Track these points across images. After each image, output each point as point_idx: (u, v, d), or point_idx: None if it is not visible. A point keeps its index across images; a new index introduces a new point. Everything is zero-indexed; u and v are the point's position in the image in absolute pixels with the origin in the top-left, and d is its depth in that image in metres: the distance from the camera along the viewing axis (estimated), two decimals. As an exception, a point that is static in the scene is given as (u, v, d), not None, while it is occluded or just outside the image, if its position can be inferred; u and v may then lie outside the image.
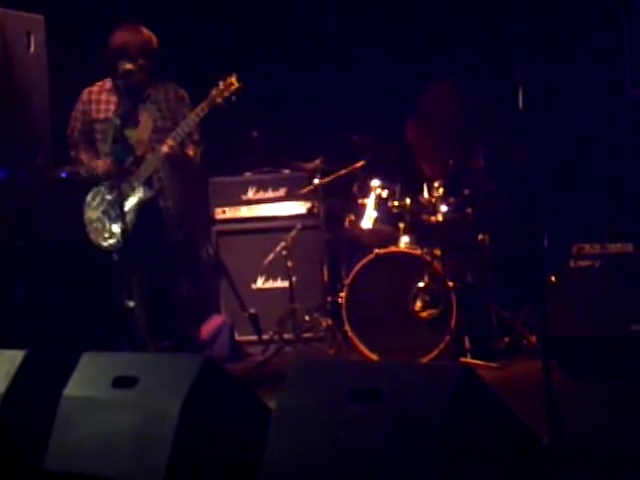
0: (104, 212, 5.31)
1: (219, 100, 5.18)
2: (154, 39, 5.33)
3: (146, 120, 5.32)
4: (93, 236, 5.34)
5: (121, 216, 4.94)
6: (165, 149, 5.19)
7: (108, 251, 5.26)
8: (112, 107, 5.31)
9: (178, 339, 5.50)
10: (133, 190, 5.22)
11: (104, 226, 5.29)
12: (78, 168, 5.49)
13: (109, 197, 5.28)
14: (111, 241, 5.27)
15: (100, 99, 5.40)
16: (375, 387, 2.81)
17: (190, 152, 5.34)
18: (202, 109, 5.21)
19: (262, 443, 2.98)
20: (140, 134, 5.30)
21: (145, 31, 5.31)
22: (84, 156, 5.44)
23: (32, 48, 5.60)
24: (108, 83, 5.42)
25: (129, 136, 5.31)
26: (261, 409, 3.34)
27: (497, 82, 5.28)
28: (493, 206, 5.97)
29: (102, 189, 5.36)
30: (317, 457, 2.86)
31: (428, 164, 6.44)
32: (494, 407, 2.85)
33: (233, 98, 5.19)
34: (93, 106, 5.41)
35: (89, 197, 5.38)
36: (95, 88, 5.46)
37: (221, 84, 5.20)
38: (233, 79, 5.20)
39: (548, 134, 5.49)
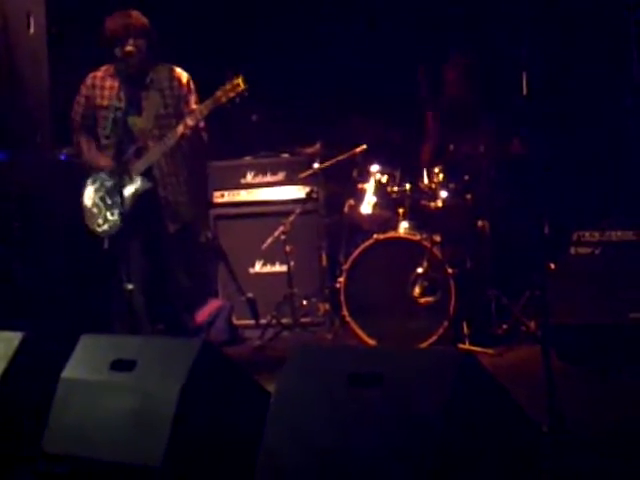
0: (101, 198, 5.29)
1: (223, 100, 5.14)
2: (144, 20, 5.28)
3: (149, 109, 5.28)
4: (88, 221, 5.33)
5: (119, 204, 4.94)
6: (181, 128, 5.16)
7: (101, 237, 5.25)
8: (115, 93, 5.27)
9: (173, 323, 5.49)
10: (131, 180, 5.20)
11: (99, 212, 5.28)
12: (78, 156, 5.46)
13: (108, 184, 5.26)
14: (104, 227, 5.26)
15: (104, 85, 5.36)
16: (376, 372, 2.80)
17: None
18: (206, 107, 5.17)
19: (261, 427, 2.97)
20: (143, 124, 5.26)
21: (134, 13, 5.26)
22: (85, 146, 5.39)
23: (32, 29, 5.58)
24: (111, 69, 5.38)
25: (132, 123, 5.27)
26: (260, 393, 3.33)
27: (502, 67, 5.27)
28: (493, 192, 5.96)
29: (102, 175, 5.33)
30: (316, 441, 2.85)
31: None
32: (495, 393, 2.84)
33: (237, 99, 5.15)
34: (97, 92, 5.37)
35: (89, 181, 5.36)
36: (99, 73, 5.41)
37: (227, 84, 5.14)
38: (240, 80, 5.14)
39: (550, 119, 5.47)
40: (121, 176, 5.07)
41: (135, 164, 5.21)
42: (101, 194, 5.29)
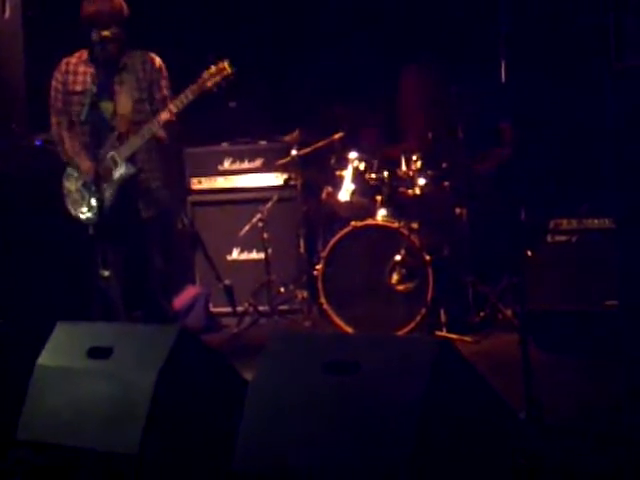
0: (84, 184, 5.23)
1: (209, 84, 5.07)
2: (125, 6, 5.23)
3: (124, 94, 5.22)
4: (71, 207, 5.27)
5: (100, 191, 4.90)
6: (166, 115, 5.09)
7: (85, 223, 5.21)
8: (89, 79, 5.21)
9: (151, 310, 5.46)
10: (115, 165, 5.15)
11: (83, 199, 5.22)
12: (58, 151, 5.38)
13: None
14: (89, 214, 5.20)
15: (77, 70, 5.29)
16: (353, 360, 2.79)
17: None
18: (192, 92, 5.09)
19: (238, 414, 2.96)
20: (121, 109, 5.20)
21: None
22: (68, 141, 5.29)
23: (7, 13, 5.52)
24: (85, 54, 5.32)
25: (105, 109, 5.22)
26: (237, 380, 3.33)
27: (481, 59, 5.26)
28: (470, 180, 5.97)
29: None
30: (293, 429, 2.84)
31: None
32: (472, 381, 2.84)
33: (224, 84, 5.10)
34: (70, 77, 5.30)
35: (70, 168, 5.30)
36: (73, 59, 5.34)
37: (213, 68, 5.08)
38: (225, 64, 5.07)
39: (529, 109, 5.48)
40: (105, 161, 5.04)
41: (119, 150, 5.16)
42: (84, 180, 5.23)
